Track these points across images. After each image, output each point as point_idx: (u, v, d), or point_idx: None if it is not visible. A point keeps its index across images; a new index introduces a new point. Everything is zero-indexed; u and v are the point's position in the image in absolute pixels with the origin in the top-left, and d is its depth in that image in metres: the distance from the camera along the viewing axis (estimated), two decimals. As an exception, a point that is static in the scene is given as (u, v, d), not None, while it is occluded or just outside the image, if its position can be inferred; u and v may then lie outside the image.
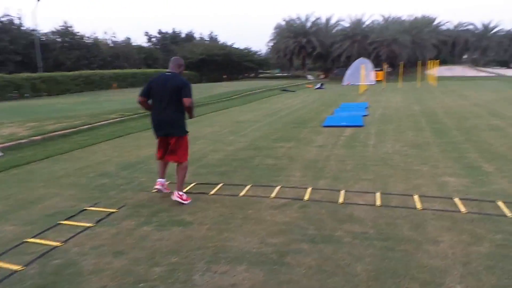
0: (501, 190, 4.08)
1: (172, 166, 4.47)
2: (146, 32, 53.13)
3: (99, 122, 10.08)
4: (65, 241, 3.28)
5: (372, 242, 3.01)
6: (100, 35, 53.59)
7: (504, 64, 55.24)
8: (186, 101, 4.06)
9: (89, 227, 3.58)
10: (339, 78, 37.51)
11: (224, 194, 4.40)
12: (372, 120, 9.99)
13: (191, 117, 4.28)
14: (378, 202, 3.86)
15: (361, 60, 32.57)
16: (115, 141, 8.32)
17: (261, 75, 60.64)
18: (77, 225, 3.62)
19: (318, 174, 5.02)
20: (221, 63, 47.58)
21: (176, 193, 4.19)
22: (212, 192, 4.48)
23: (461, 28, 52.09)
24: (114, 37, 44.56)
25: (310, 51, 45.22)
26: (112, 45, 40.81)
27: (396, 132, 8.01)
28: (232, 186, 4.66)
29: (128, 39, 45.49)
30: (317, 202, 3.98)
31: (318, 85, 27.94)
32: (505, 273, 2.48)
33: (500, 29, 51.80)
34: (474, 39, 51.44)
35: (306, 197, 4.12)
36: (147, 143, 7.91)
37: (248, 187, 4.58)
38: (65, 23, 37.04)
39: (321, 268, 2.67)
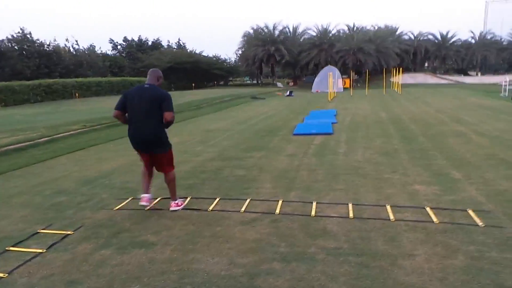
0: (470, 198, 4.09)
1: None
2: (111, 39, 51.75)
3: (59, 134, 9.53)
4: (11, 272, 2.92)
5: (347, 259, 2.88)
6: (61, 43, 51.61)
7: (462, 72, 58.25)
8: (168, 115, 3.83)
9: (40, 253, 3.23)
10: (308, 85, 38.07)
11: (192, 208, 4.16)
12: (342, 127, 10.05)
13: (167, 126, 4.05)
14: (351, 214, 3.75)
15: (328, 68, 33.25)
16: (76, 154, 7.85)
17: (230, 83, 60.66)
18: (26, 252, 3.27)
19: (289, 185, 4.88)
20: (190, 71, 47.12)
21: (172, 203, 4.17)
22: (179, 208, 4.22)
23: (422, 38, 54.36)
24: (77, 44, 42.91)
25: (279, 59, 45.67)
26: (74, 52, 39.32)
27: (365, 139, 8.06)
28: (200, 200, 4.43)
29: (92, 46, 44.12)
30: (289, 215, 3.82)
31: (288, 93, 28.16)
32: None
33: (457, 39, 54.57)
34: (434, 48, 53.82)
35: (277, 210, 3.96)
36: (110, 155, 7.52)
37: (216, 200, 4.36)
38: (22, 29, 35.38)
39: (295, 290, 2.49)
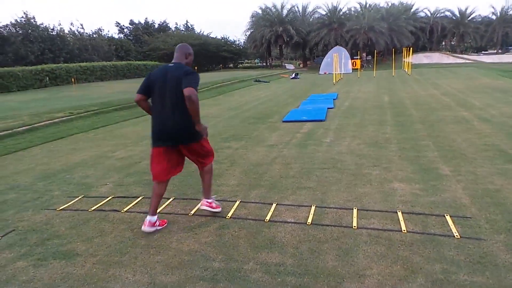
0: (453, 199, 3.56)
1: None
2: (117, 23, 51.18)
3: (42, 122, 9.23)
4: None
5: (285, 279, 2.43)
6: (66, 27, 51.23)
7: (481, 50, 55.82)
8: (186, 90, 2.89)
9: (-49, 264, 2.89)
10: (318, 67, 36.98)
11: (139, 211, 3.75)
12: (337, 113, 9.45)
13: (194, 117, 3.02)
14: (309, 220, 3.28)
15: (337, 48, 32.12)
16: (52, 144, 7.54)
17: (240, 66, 59.78)
18: None
19: (255, 181, 4.42)
20: (198, 53, 46.33)
21: (204, 201, 3.49)
22: (126, 208, 3.83)
23: (438, 15, 52.08)
24: (82, 28, 42.62)
25: (287, 40, 44.47)
26: (79, 36, 38.99)
27: (357, 126, 7.48)
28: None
29: (98, 30, 43.73)
30: (240, 220, 3.38)
31: (293, 75, 27.36)
32: (435, 326, 1.93)
33: (477, 15, 52.14)
34: (451, 25, 51.51)
35: (230, 214, 3.51)
36: (85, 146, 7.19)
37: (169, 201, 3.95)
38: (26, 14, 35.09)
39: (207, 324, 2.07)
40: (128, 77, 34.90)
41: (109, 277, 2.60)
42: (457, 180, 4.06)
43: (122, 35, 51.32)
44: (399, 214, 3.29)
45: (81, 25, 63.55)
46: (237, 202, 3.78)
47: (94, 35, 42.72)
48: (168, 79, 3.09)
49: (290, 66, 47.03)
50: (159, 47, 44.90)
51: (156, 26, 54.38)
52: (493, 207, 3.32)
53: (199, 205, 3.59)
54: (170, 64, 3.24)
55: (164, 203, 3.87)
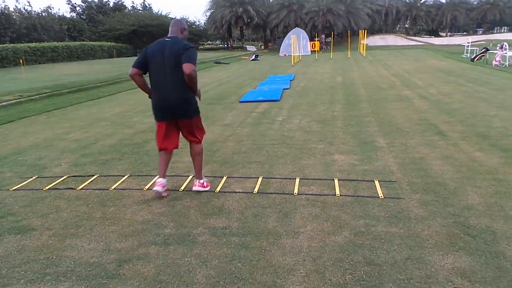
0: (384, 167, 4.00)
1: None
2: (68, 1, 48.28)
3: (-12, 105, 8.84)
4: None
5: (230, 239, 2.72)
6: (11, 4, 47.62)
7: (432, 32, 58.46)
8: (185, 67, 3.02)
9: None
10: (278, 48, 37.22)
11: (94, 188, 3.89)
12: (292, 93, 9.81)
13: (195, 92, 3.27)
14: (256, 189, 3.59)
15: (296, 30, 32.46)
16: (1, 128, 7.30)
17: (201, 47, 58.70)
18: None
19: (208, 158, 4.66)
20: (156, 34, 44.98)
21: (196, 182, 3.61)
22: (81, 186, 3.94)
23: (393, -2, 53.73)
24: (29, 6, 39.86)
25: (247, 21, 44.20)
26: (27, 15, 36.47)
27: (309, 106, 7.87)
28: (108, 178, 4.15)
29: (48, 8, 41.08)
30: (192, 192, 3.62)
31: (253, 57, 27.46)
32: (351, 267, 2.31)
33: (428, -1, 54.30)
34: (405, 8, 53.44)
35: (183, 187, 3.75)
36: (37, 129, 7.05)
37: (124, 177, 4.11)
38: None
39: (157, 278, 2.32)
40: (82, 58, 33.36)
41: (65, 246, 2.77)
42: (390, 151, 4.53)
43: (74, 14, 48.61)
44: (336, 181, 3.67)
45: (28, 2, 59.20)
46: (190, 177, 4.01)
47: (43, 14, 40.18)
48: (166, 54, 3.13)
49: (252, 48, 46.90)
50: (115, 27, 43.01)
51: (111, 5, 51.88)
52: (415, 172, 3.80)
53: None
54: (166, 39, 3.26)
55: (119, 180, 4.02)
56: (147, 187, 3.82)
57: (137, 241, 2.78)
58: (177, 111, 3.29)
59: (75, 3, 49.87)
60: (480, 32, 53.55)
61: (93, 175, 4.25)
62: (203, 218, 3.09)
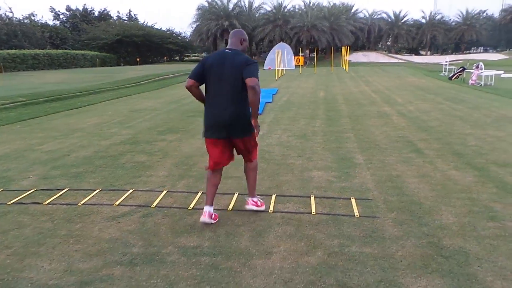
0: (361, 184, 3.98)
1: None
2: (52, 8, 47.56)
3: (-42, 113, 8.49)
4: None
5: (199, 259, 2.62)
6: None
7: (413, 51, 60.24)
8: (249, 81, 2.83)
9: None
10: (263, 62, 37.55)
11: (62, 203, 3.72)
12: (274, 107, 9.83)
13: (254, 109, 2.99)
14: (230, 206, 3.50)
15: (280, 44, 32.86)
16: (-29, 137, 7.01)
17: (186, 59, 58.74)
18: None
19: (185, 172, 4.55)
20: (141, 45, 44.88)
21: (250, 200, 3.37)
22: (49, 201, 3.77)
23: (376, 16, 55.32)
24: (11, 12, 39.11)
25: (233, 35, 44.50)
26: (7, 21, 35.73)
27: (290, 120, 7.87)
28: (77, 192, 3.99)
29: (30, 15, 40.47)
30: (165, 208, 3.51)
31: (238, 70, 27.55)
32: (323, 290, 2.24)
33: (409, 19, 56.14)
34: (387, 27, 55.01)
35: (155, 203, 3.62)
36: (9, 138, 6.79)
37: (95, 192, 3.95)
38: None
39: (119, 303, 2.19)
40: (65, 67, 32.76)
41: (23, 267, 2.60)
42: (367, 168, 4.53)
43: (57, 22, 47.88)
44: (312, 198, 3.62)
45: (10, 8, 58.14)
46: (164, 192, 3.89)
47: (25, 20, 39.46)
48: (226, 66, 2.97)
49: (236, 61, 47.15)
50: (100, 37, 42.60)
51: (96, 14, 51.50)
52: (391, 190, 3.79)
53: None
54: (226, 50, 3.08)
55: (90, 194, 3.87)
56: (118, 202, 3.67)
57: (102, 261, 2.64)
58: (233, 127, 3.05)
59: (59, 11, 49.28)
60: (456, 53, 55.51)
61: (63, 189, 4.08)
62: (173, 236, 2.98)
